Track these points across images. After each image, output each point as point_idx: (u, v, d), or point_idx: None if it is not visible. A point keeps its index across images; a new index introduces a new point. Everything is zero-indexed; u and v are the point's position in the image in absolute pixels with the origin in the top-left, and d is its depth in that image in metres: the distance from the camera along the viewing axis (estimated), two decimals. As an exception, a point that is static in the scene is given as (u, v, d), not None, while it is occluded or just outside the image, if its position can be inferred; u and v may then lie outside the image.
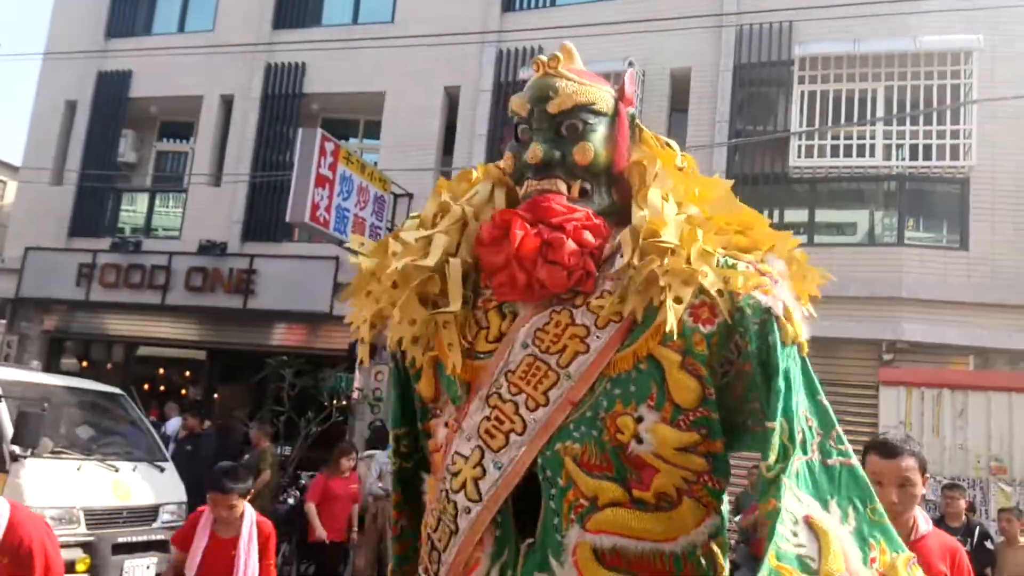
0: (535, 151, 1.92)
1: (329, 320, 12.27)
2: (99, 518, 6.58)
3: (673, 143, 2.08)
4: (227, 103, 13.93)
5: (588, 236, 1.85)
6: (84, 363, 14.29)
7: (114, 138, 14.46)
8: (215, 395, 13.72)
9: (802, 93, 10.33)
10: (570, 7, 12.07)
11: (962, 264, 9.88)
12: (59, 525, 6.18)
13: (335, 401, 11.27)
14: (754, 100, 11.04)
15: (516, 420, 1.81)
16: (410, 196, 12.01)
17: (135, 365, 14.50)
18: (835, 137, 10.18)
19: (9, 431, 6.40)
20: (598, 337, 1.81)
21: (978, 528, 7.61)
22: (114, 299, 13.42)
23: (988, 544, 7.47)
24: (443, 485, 1.88)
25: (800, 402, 1.78)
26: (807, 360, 1.84)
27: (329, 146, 10.33)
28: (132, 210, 14.99)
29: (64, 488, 6.45)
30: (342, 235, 10.63)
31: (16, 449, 6.31)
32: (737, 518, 8.58)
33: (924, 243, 10.50)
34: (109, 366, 14.16)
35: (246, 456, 9.51)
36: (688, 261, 1.77)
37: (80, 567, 6.27)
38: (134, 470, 7.20)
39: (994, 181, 9.94)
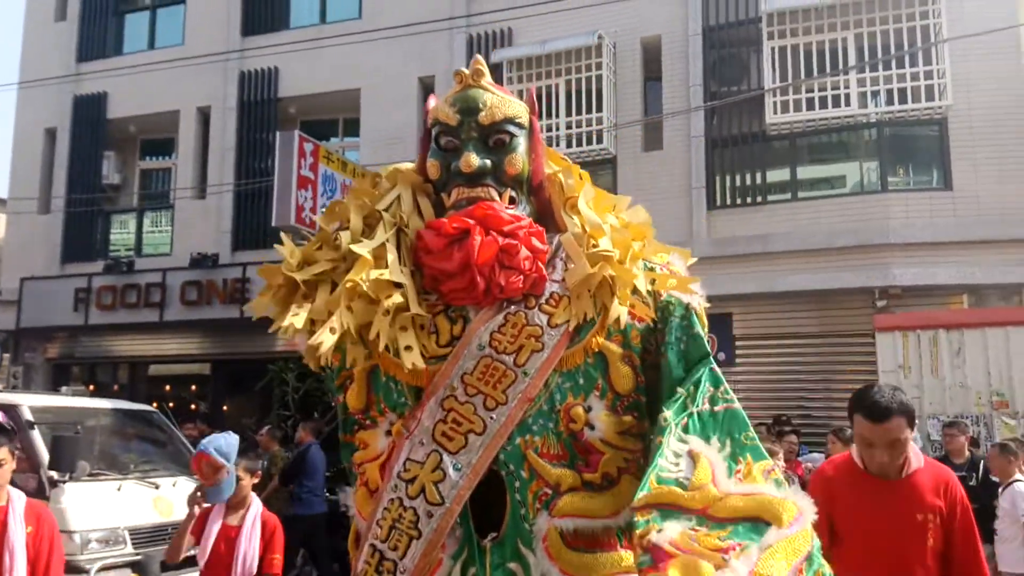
0: (469, 160, 2.01)
1: (327, 321, 12.30)
2: (144, 536, 6.51)
3: (567, 159, 2.24)
4: (204, 115, 13.93)
5: (536, 243, 1.98)
6: (91, 387, 14.35)
7: (97, 161, 14.48)
8: (224, 407, 13.79)
9: (773, 49, 10.30)
10: (535, -15, 12.03)
11: (947, 204, 9.89)
12: (106, 547, 6.17)
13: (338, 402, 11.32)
14: (726, 61, 11.02)
15: (475, 420, 1.89)
16: (394, 190, 12.00)
17: (142, 384, 14.58)
18: (810, 90, 10.16)
19: (45, 457, 6.34)
20: (551, 335, 1.94)
21: (982, 462, 7.67)
22: (113, 320, 13.48)
23: (993, 477, 7.54)
24: (394, 494, 1.92)
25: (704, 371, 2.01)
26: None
27: (308, 147, 10.35)
28: (122, 231, 15.02)
29: (106, 509, 6.39)
30: (330, 235, 10.66)
31: (54, 475, 6.25)
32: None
33: (908, 187, 10.50)
34: (116, 388, 14.23)
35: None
36: (624, 265, 1.97)
37: None
38: (174, 485, 7.10)
39: (971, 119, 9.93)
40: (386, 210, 2.09)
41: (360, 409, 2.10)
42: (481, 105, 2.05)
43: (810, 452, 8.82)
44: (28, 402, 7.06)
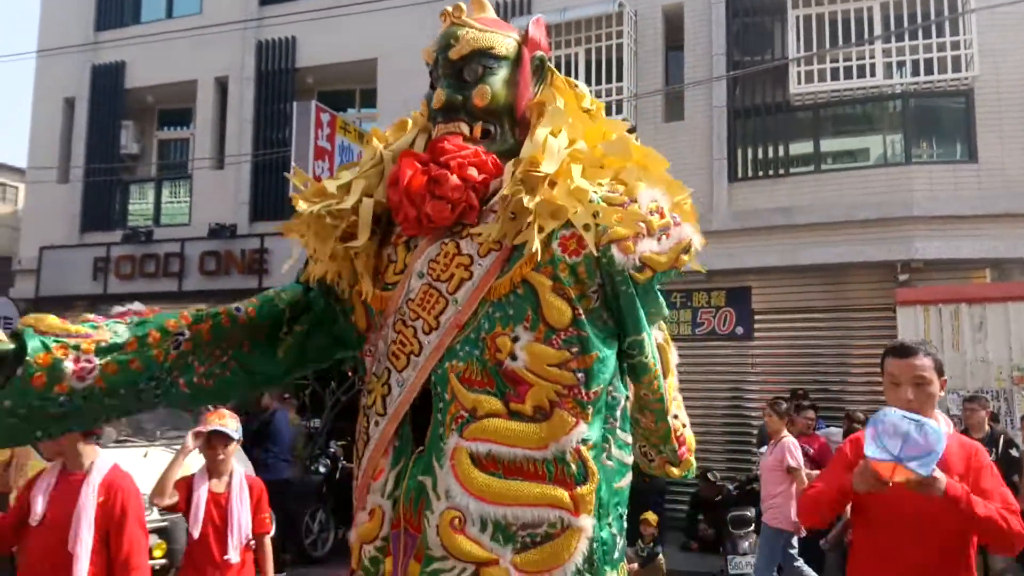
0: (438, 96, 2.10)
1: (344, 291, 12.34)
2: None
3: (582, 85, 2.27)
4: (222, 85, 13.91)
5: (472, 172, 2.01)
6: (110, 356, 14.51)
7: (115, 131, 14.50)
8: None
9: (797, 18, 10.13)
10: (555, -47, 11.87)
11: (972, 177, 9.74)
12: None
13: (355, 370, 11.37)
14: (749, 30, 10.85)
15: (414, 342, 2.03)
16: (412, 160, 11.96)
17: (160, 353, 14.70)
18: (834, 60, 10.00)
19: None
20: (480, 265, 1.99)
21: (1002, 437, 7.64)
22: (131, 290, 13.53)
23: (1013, 452, 7.50)
24: (363, 401, 2.16)
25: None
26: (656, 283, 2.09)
27: (325, 117, 10.32)
28: (140, 201, 15.07)
29: (133, 476, 6.44)
30: (347, 205, 10.67)
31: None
32: (763, 449, 8.64)
33: (932, 159, 10.34)
34: (135, 356, 14.36)
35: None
36: (563, 194, 1.94)
37: (157, 553, 6.22)
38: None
39: (999, 90, 9.75)
40: (391, 150, 2.22)
41: (365, 328, 2.23)
42: (453, 41, 2.10)
43: (827, 427, 8.80)
44: None
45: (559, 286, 1.96)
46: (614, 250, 1.95)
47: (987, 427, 7.68)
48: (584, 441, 1.94)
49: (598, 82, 10.96)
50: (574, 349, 1.96)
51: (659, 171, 2.11)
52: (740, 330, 10.46)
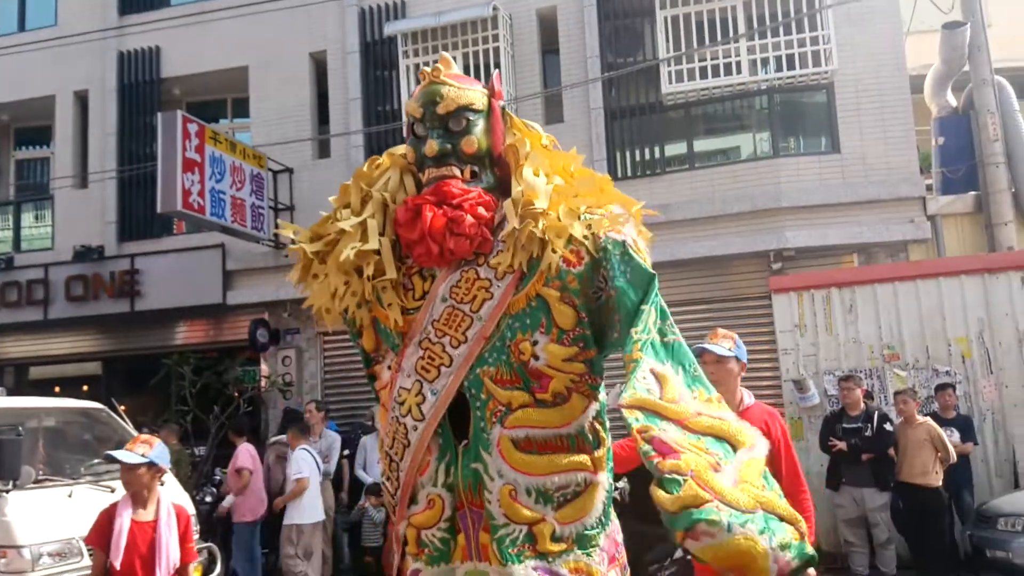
0: (431, 146, 2.50)
1: (224, 311, 11.87)
2: None
3: (536, 125, 2.68)
4: (82, 99, 13.17)
5: (482, 211, 2.45)
6: (-29, 393, 13.49)
7: (-34, 152, 13.54)
8: (120, 406, 13.14)
9: (665, 19, 10.36)
10: (426, -43, 11.78)
11: (836, 167, 10.18)
12: (61, 560, 5.75)
13: (240, 393, 10.92)
14: (621, 32, 11.04)
15: (444, 356, 2.44)
16: (290, 170, 11.63)
17: (28, 388, 13.74)
18: (702, 59, 10.28)
19: None
20: (499, 286, 2.43)
21: (876, 413, 7.97)
22: (-9, 321, 12.67)
23: (887, 426, 7.83)
24: (393, 412, 2.53)
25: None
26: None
27: (192, 128, 9.87)
28: (-2, 226, 14.11)
29: (58, 519, 5.88)
30: (221, 219, 10.22)
31: None
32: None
33: (798, 152, 10.76)
34: (-1, 392, 13.40)
35: None
36: (558, 219, 2.39)
37: None
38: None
39: (857, 83, 10.23)
40: (378, 190, 2.60)
41: (373, 349, 2.68)
42: (439, 98, 2.51)
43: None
44: None
45: (566, 296, 2.39)
46: (612, 235, 2.39)
47: (862, 405, 8.00)
48: (596, 416, 2.45)
49: (476, 86, 10.92)
50: (580, 345, 2.42)
51: (611, 188, 2.56)
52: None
